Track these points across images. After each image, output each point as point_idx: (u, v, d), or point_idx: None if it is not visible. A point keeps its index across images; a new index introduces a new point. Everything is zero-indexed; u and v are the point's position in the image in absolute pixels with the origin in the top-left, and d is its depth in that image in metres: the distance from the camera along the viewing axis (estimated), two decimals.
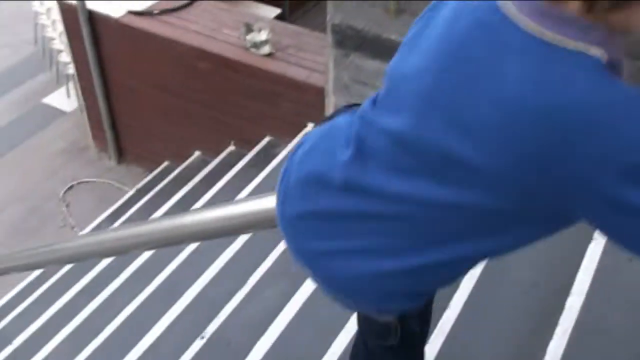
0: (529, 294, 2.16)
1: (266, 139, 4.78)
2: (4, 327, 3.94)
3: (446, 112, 0.93)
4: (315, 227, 1.19)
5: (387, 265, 1.09)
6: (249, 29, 4.55)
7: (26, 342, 3.61)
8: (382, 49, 3.76)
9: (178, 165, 5.38)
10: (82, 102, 6.00)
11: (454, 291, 2.19)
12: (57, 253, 2.67)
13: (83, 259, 3.46)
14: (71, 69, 5.98)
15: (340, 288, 1.21)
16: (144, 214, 4.67)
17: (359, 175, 1.08)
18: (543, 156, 0.83)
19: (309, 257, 1.22)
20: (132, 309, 3.31)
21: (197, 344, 2.69)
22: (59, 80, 6.83)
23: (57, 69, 6.71)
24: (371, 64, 3.86)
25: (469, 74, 0.90)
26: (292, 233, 1.24)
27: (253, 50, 4.54)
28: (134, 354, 2.86)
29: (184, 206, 4.35)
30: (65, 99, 6.73)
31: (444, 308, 2.14)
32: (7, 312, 4.18)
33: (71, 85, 6.50)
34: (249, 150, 4.79)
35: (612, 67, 0.82)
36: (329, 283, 1.23)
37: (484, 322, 2.08)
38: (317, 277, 1.24)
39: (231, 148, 5.06)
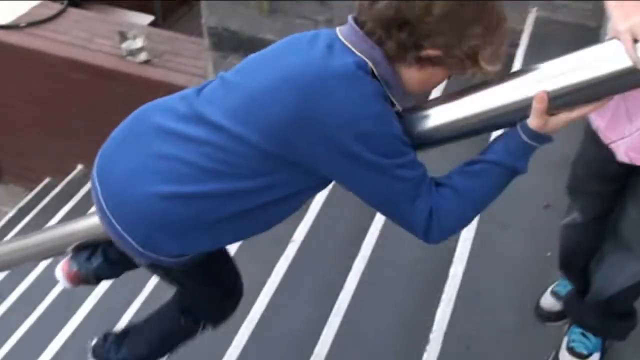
0: (416, 268, 2.30)
1: None
2: None
3: None
4: None
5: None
6: (124, 37, 4.50)
7: None
8: (260, 49, 3.84)
9: (60, 181, 5.23)
10: None
11: (347, 273, 2.30)
12: None
13: None
14: None
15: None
16: (30, 232, 4.51)
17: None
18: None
19: None
20: (22, 331, 3.21)
21: None
22: None
23: None
24: None
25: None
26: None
27: (129, 58, 4.50)
28: None
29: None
30: None
31: (339, 289, 2.24)
32: None
33: None
34: None
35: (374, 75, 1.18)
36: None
37: (377, 300, 2.20)
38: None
39: None
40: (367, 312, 2.16)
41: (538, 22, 3.28)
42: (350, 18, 1.23)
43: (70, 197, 4.71)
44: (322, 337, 2.08)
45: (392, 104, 1.22)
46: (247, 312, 2.42)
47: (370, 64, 1.18)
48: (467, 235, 2.25)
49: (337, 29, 1.24)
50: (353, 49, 1.19)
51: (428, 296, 2.11)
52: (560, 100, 1.14)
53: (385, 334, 2.09)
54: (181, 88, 4.47)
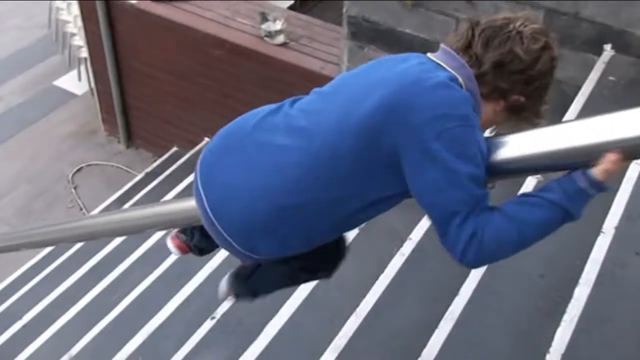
0: (537, 284, 2.20)
1: None
2: (13, 304, 3.99)
3: None
4: None
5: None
6: (264, 18, 4.59)
7: (35, 318, 3.66)
8: (397, 42, 3.80)
9: (187, 151, 5.43)
10: (94, 86, 6.05)
11: (464, 279, 2.23)
12: (70, 231, 2.70)
13: (94, 238, 3.51)
14: (84, 53, 6.02)
15: None
16: (152, 198, 4.72)
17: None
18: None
19: None
20: (141, 289, 3.35)
21: (208, 324, 2.74)
22: (71, 63, 6.87)
23: (70, 53, 6.75)
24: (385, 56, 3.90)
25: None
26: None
27: (267, 39, 4.59)
28: (144, 333, 2.91)
29: (191, 192, 4.39)
30: (76, 82, 6.77)
31: (453, 294, 2.19)
32: (16, 289, 4.23)
33: (83, 68, 6.55)
34: None
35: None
36: None
37: (492, 310, 2.13)
38: None
39: None
40: (482, 320, 2.10)
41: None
42: (442, 45, 1.34)
43: (193, 168, 4.86)
44: (431, 341, 2.04)
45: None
46: (357, 304, 2.41)
47: (460, 79, 1.27)
48: (596, 257, 2.13)
49: (428, 53, 1.34)
50: (445, 66, 1.28)
51: (548, 314, 2.02)
52: (632, 155, 1.14)
53: (499, 346, 2.01)
54: (314, 73, 4.54)
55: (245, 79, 4.82)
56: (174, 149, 5.65)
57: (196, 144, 5.39)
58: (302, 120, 1.34)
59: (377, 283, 2.48)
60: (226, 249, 1.46)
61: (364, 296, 2.44)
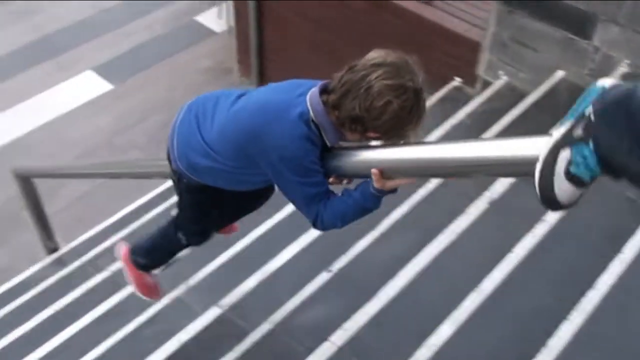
0: None
1: None
2: (141, 227, 4.16)
3: None
4: None
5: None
6: None
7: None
8: (551, 11, 3.59)
9: None
10: (233, 25, 6.13)
11: (601, 271, 2.10)
12: None
13: None
14: None
15: None
16: None
17: None
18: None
19: None
20: (260, 232, 3.40)
21: (323, 277, 2.75)
22: (214, 0, 7.01)
23: None
24: (535, 25, 3.69)
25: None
26: None
27: None
28: (259, 275, 2.96)
29: None
30: (216, 20, 6.90)
31: (587, 286, 2.07)
32: (144, 213, 4.41)
33: (224, 6, 6.65)
34: None
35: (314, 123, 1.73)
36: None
37: (631, 310, 1.99)
38: None
39: None
40: (617, 319, 1.97)
41: None
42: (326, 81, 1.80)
43: None
44: (560, 332, 1.93)
45: (323, 141, 1.76)
46: (480, 280, 2.33)
47: (312, 114, 1.72)
48: None
49: (321, 82, 1.81)
50: (308, 101, 1.74)
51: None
52: (394, 172, 1.67)
53: (636, 348, 1.89)
54: (457, 36, 4.35)
55: (383, 33, 4.72)
56: None
57: None
58: (222, 115, 1.92)
59: (504, 262, 2.39)
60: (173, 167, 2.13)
61: (488, 273, 2.35)
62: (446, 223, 2.78)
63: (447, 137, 3.63)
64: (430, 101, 4.28)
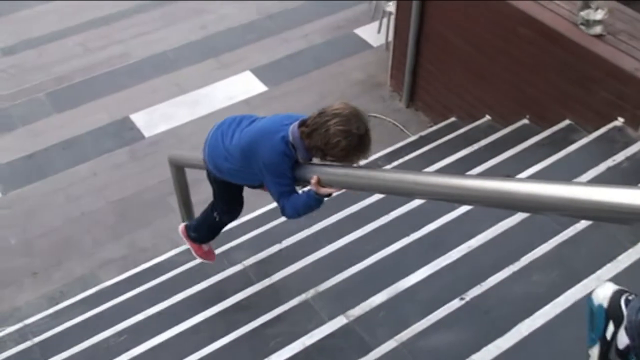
0: None
1: (566, 122, 4.53)
2: (277, 226, 4.27)
3: None
4: None
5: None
6: (586, 5, 4.26)
7: (293, 246, 3.89)
8: None
9: (465, 124, 5.34)
10: (391, 40, 6.16)
11: None
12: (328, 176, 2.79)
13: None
14: (391, 7, 6.14)
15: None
16: (422, 162, 4.73)
17: None
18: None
19: None
20: (395, 248, 3.38)
21: (455, 304, 2.69)
22: (375, 15, 7.07)
23: (376, 4, 6.94)
24: None
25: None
26: None
27: (582, 27, 4.27)
28: (389, 291, 2.94)
29: (463, 166, 4.32)
30: (374, 34, 6.97)
31: None
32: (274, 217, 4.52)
33: (384, 22, 6.70)
34: (544, 128, 4.58)
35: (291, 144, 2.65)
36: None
37: None
38: None
39: (525, 121, 4.89)
40: None
41: None
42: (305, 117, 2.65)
43: (472, 142, 4.77)
44: None
45: (296, 157, 2.66)
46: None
47: (291, 138, 2.62)
48: None
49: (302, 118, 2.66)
50: (290, 130, 2.63)
51: None
52: (325, 182, 2.57)
53: None
54: (625, 73, 4.14)
55: (545, 64, 4.57)
56: (453, 118, 5.59)
57: (477, 119, 5.27)
58: (239, 132, 2.87)
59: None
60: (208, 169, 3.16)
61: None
62: (592, 268, 2.64)
63: (601, 179, 3.45)
64: (588, 139, 4.09)
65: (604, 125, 4.18)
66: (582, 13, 4.29)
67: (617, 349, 1.46)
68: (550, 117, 4.65)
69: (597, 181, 3.44)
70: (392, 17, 6.11)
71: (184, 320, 3.46)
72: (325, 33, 7.20)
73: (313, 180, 2.55)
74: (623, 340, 1.45)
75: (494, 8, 4.78)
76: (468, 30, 5.16)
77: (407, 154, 5.04)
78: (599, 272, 2.59)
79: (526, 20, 4.56)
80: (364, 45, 6.97)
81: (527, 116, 4.90)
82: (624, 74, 4.06)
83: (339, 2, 7.59)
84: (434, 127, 5.58)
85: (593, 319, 1.54)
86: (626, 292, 1.55)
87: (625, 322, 1.48)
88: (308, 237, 3.92)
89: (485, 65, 5.13)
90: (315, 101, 6.25)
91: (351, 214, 4.08)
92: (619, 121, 4.14)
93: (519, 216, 3.25)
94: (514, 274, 2.81)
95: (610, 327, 1.48)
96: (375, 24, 6.99)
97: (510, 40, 4.77)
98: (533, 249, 2.95)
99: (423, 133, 5.53)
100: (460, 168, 4.25)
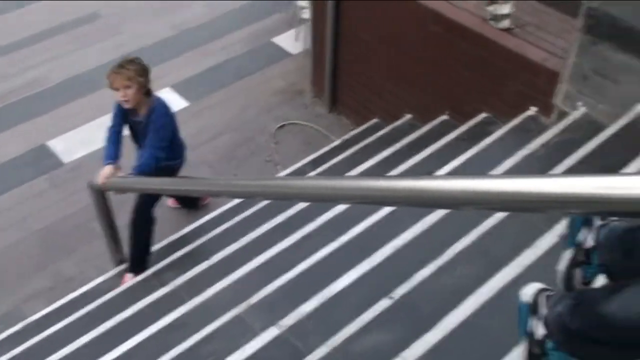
0: None
1: (482, 115, 4.63)
2: (204, 243, 4.21)
3: None
4: None
5: None
6: (493, 0, 4.37)
7: (222, 261, 3.84)
8: (637, 44, 3.45)
9: (387, 124, 5.39)
10: (309, 47, 6.18)
11: None
12: (259, 188, 2.73)
13: (286, 199, 3.57)
14: (306, 14, 6.15)
15: None
16: (346, 166, 4.75)
17: None
18: None
19: None
20: (323, 254, 3.38)
21: (384, 303, 2.69)
22: (292, 23, 7.08)
23: (294, 11, 6.95)
24: (619, 57, 3.56)
25: None
26: None
27: (491, 22, 4.38)
28: (319, 297, 2.93)
29: (386, 166, 4.36)
30: (292, 42, 6.98)
31: None
32: (208, 230, 4.47)
33: (302, 29, 6.72)
34: (463, 122, 4.67)
35: None
36: None
37: None
38: None
39: (444, 117, 4.97)
40: None
41: None
42: None
43: (394, 142, 4.82)
44: None
45: None
46: None
47: None
48: None
49: None
50: None
51: None
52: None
53: None
54: (534, 64, 4.26)
55: (459, 60, 4.66)
56: (375, 120, 5.64)
57: (398, 119, 5.33)
58: None
59: None
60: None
61: None
62: (512, 255, 2.69)
63: (518, 168, 3.53)
64: (503, 130, 4.19)
65: (518, 115, 4.29)
66: (490, 8, 4.40)
67: (535, 340, 1.58)
68: (469, 111, 4.74)
69: (514, 170, 3.51)
70: (309, 24, 6.12)
71: (115, 347, 3.37)
72: (244, 44, 7.17)
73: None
74: (540, 332, 1.56)
75: (407, 7, 4.85)
76: (384, 31, 5.22)
77: (331, 158, 5.06)
78: (519, 259, 2.64)
79: (437, 18, 4.65)
80: (284, 53, 6.97)
81: (447, 112, 4.99)
82: (534, 64, 4.18)
83: (255, 12, 7.58)
84: (357, 130, 5.61)
85: (521, 315, 1.68)
86: (548, 289, 1.72)
87: (543, 315, 1.60)
88: (237, 251, 3.88)
89: (403, 64, 5.20)
90: (237, 113, 6.21)
91: (278, 224, 4.05)
92: (532, 110, 4.25)
93: (442, 212, 3.29)
94: (439, 268, 2.83)
95: (532, 322, 1.61)
96: (293, 31, 7.00)
97: (424, 38, 4.85)
98: (456, 242, 2.98)
99: (346, 136, 5.56)
100: (383, 168, 4.29)
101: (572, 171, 3.32)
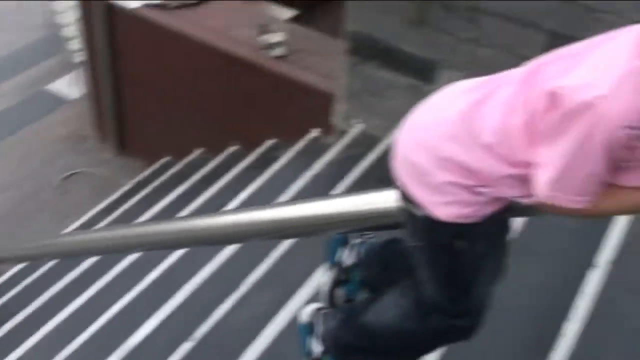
0: (526, 317, 2.10)
1: (269, 142, 4.72)
2: None
3: None
4: None
5: None
6: (264, 29, 4.49)
7: (11, 332, 3.53)
8: (396, 61, 3.70)
9: (179, 161, 5.31)
10: (88, 91, 5.94)
11: None
12: (47, 248, 2.59)
13: (77, 255, 3.39)
14: (80, 57, 5.91)
15: None
16: (141, 208, 4.60)
17: None
18: None
19: None
20: (120, 306, 3.23)
21: (187, 346, 2.61)
22: (66, 67, 6.76)
23: (66, 56, 6.64)
24: (384, 75, 3.80)
25: None
26: None
27: (265, 51, 4.48)
28: (120, 352, 2.78)
29: (181, 204, 4.27)
30: (69, 87, 6.67)
31: None
32: None
33: (78, 73, 6.44)
34: (252, 151, 4.72)
35: None
36: None
37: (477, 343, 2.00)
38: None
39: (234, 148, 4.99)
40: (469, 352, 1.97)
41: None
42: None
43: (186, 178, 4.75)
44: None
45: None
46: None
47: None
48: (587, 292, 2.04)
49: None
50: None
51: (536, 352, 1.91)
52: None
53: None
54: (311, 87, 4.42)
55: (241, 90, 4.72)
56: (166, 159, 5.52)
57: (188, 155, 5.27)
58: None
59: None
60: None
61: None
62: (306, 277, 2.74)
63: (306, 190, 3.62)
64: (290, 154, 4.29)
65: (302, 138, 4.42)
66: (262, 38, 4.50)
67: (313, 358, 1.61)
68: (257, 139, 4.80)
69: (301, 193, 3.60)
70: (85, 67, 5.89)
71: None
72: (15, 94, 6.71)
73: None
74: (317, 349, 1.59)
75: (181, 43, 4.82)
76: (164, 68, 5.15)
77: (124, 203, 4.87)
78: (313, 280, 2.69)
79: (214, 52, 4.67)
80: (61, 100, 6.62)
81: (236, 142, 5.02)
82: (310, 88, 4.34)
83: (25, 60, 7.12)
84: (148, 170, 5.47)
85: (300, 336, 1.72)
86: (325, 308, 1.76)
87: (319, 333, 1.64)
88: (26, 319, 3.59)
89: (188, 99, 5.16)
90: (15, 169, 5.80)
91: (70, 282, 3.81)
92: (315, 132, 4.40)
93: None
94: (238, 301, 2.81)
95: (311, 341, 1.64)
96: (68, 76, 6.69)
97: (204, 72, 4.85)
98: (252, 272, 2.98)
99: (137, 179, 5.40)
100: (177, 207, 4.20)
101: (355, 186, 3.47)
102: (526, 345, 2.03)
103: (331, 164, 3.88)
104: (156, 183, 5.02)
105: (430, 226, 1.23)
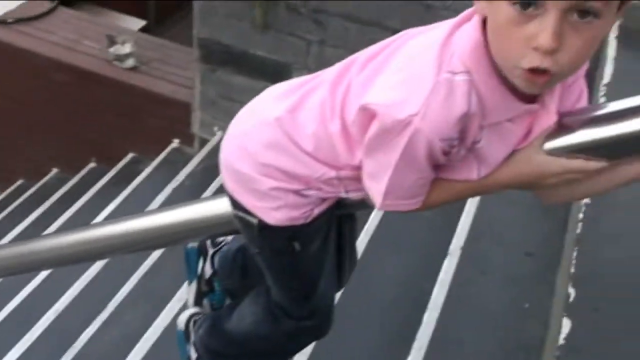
0: (389, 309, 2.19)
1: (129, 155, 4.62)
2: None
3: None
4: None
5: None
6: (112, 41, 4.39)
7: None
8: (249, 65, 3.74)
9: (34, 184, 5.08)
10: None
11: None
12: None
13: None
14: None
15: None
16: None
17: None
18: None
19: None
20: None
21: None
22: None
23: None
24: (238, 80, 3.83)
25: None
26: None
27: (116, 63, 4.38)
28: None
29: (39, 228, 4.08)
30: None
31: None
32: None
33: None
34: (112, 167, 4.60)
35: None
36: None
37: (342, 338, 2.08)
38: None
39: (92, 165, 4.84)
40: (331, 348, 2.04)
41: None
42: None
43: (43, 201, 4.56)
44: None
45: None
46: None
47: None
48: (443, 279, 2.16)
49: None
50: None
51: (398, 342, 2.01)
52: None
53: None
54: (165, 97, 4.37)
55: (93, 105, 4.58)
56: (19, 182, 5.26)
57: (44, 175, 5.05)
58: None
59: None
60: None
61: None
62: (175, 289, 2.72)
63: (170, 202, 3.59)
64: (151, 167, 4.23)
65: (163, 150, 4.36)
66: (111, 50, 4.40)
67: None
68: (116, 154, 4.68)
69: (166, 205, 3.56)
70: None
71: None
72: None
73: None
74: (193, 356, 1.61)
75: (27, 60, 4.62)
76: (5, 87, 4.89)
77: None
78: (178, 294, 2.68)
79: (60, 67, 4.51)
80: None
81: (94, 159, 4.87)
82: (165, 98, 4.29)
83: None
84: (2, 195, 5.19)
85: (179, 344, 1.71)
86: (196, 314, 1.75)
87: (192, 339, 1.64)
88: None
89: (38, 119, 4.93)
90: None
91: None
92: (175, 143, 4.36)
93: (101, 262, 3.20)
94: (105, 322, 2.75)
95: (189, 348, 1.65)
96: None
97: (52, 89, 4.66)
98: (120, 289, 2.93)
99: None
100: (35, 232, 4.02)
101: (221, 193, 3.47)
102: (391, 338, 2.11)
103: (194, 174, 3.87)
104: (10, 209, 4.78)
105: (264, 232, 1.26)
